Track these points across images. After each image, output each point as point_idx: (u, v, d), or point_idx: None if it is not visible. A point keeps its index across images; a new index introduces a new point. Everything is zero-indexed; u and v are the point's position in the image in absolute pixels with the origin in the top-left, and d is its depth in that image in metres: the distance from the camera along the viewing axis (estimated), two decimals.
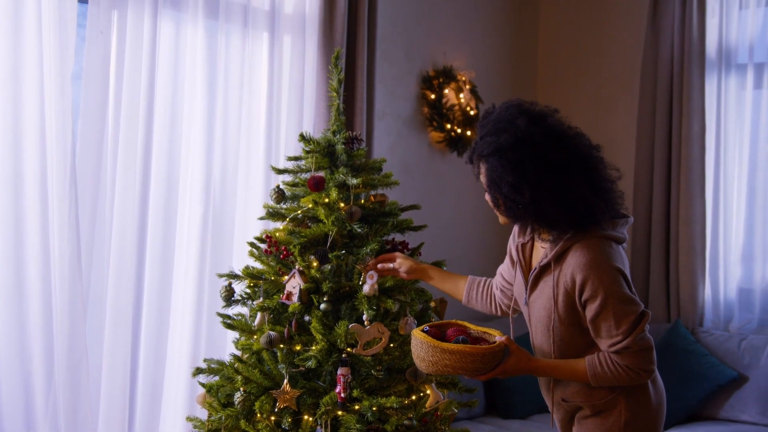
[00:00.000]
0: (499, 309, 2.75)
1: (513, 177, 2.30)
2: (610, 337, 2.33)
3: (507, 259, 2.67)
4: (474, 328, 2.51)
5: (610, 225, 2.40)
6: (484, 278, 2.80)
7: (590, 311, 2.33)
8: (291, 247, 2.76)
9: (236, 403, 2.68)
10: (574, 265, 2.34)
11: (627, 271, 2.39)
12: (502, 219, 2.48)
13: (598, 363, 2.37)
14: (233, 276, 2.88)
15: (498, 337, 2.43)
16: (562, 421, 2.59)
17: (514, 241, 2.61)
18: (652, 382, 2.49)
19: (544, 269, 2.42)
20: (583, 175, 2.34)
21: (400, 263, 2.73)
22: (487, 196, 2.45)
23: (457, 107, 4.95)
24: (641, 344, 2.33)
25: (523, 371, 2.44)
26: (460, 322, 2.55)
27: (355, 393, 2.62)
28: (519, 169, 2.30)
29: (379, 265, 2.74)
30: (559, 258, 2.38)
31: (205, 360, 2.97)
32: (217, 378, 2.87)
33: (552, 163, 2.31)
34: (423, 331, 2.40)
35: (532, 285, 2.47)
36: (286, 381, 2.64)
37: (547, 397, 2.59)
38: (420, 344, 2.35)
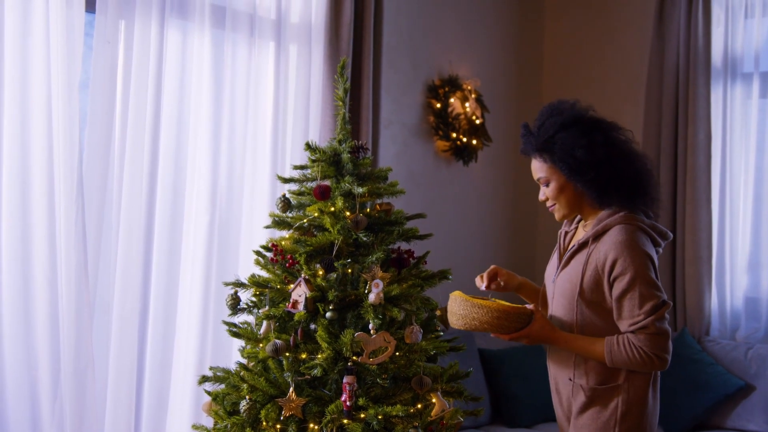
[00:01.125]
0: None
1: (586, 140, 2.51)
2: (632, 317, 2.46)
3: None
4: (509, 305, 2.60)
5: (650, 226, 2.56)
6: None
7: (617, 289, 2.47)
8: (297, 255, 2.77)
9: (242, 411, 2.68)
10: (609, 243, 2.49)
11: (656, 264, 2.53)
12: (560, 214, 2.64)
13: (616, 342, 2.48)
14: (239, 284, 2.89)
15: (528, 305, 2.59)
16: (562, 409, 2.69)
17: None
18: (652, 386, 2.57)
19: (582, 246, 2.57)
20: (634, 149, 2.63)
21: (506, 283, 2.77)
22: (545, 191, 2.62)
23: (462, 116, 4.96)
24: (659, 328, 2.45)
25: (546, 339, 2.56)
26: (498, 300, 2.63)
27: (361, 401, 2.62)
28: (589, 135, 2.52)
29: (492, 285, 2.75)
30: (597, 237, 2.54)
31: (210, 368, 2.97)
32: (222, 386, 2.87)
33: (611, 135, 2.59)
34: None
35: (566, 263, 2.62)
36: (291, 389, 2.64)
37: (557, 374, 2.67)
38: (454, 300, 2.59)
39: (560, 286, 2.62)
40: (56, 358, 3.11)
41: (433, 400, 2.75)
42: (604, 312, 2.54)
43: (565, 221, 2.76)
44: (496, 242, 5.41)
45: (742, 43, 4.84)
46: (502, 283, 2.75)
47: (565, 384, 2.63)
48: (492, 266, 2.77)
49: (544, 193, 2.63)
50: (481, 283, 2.72)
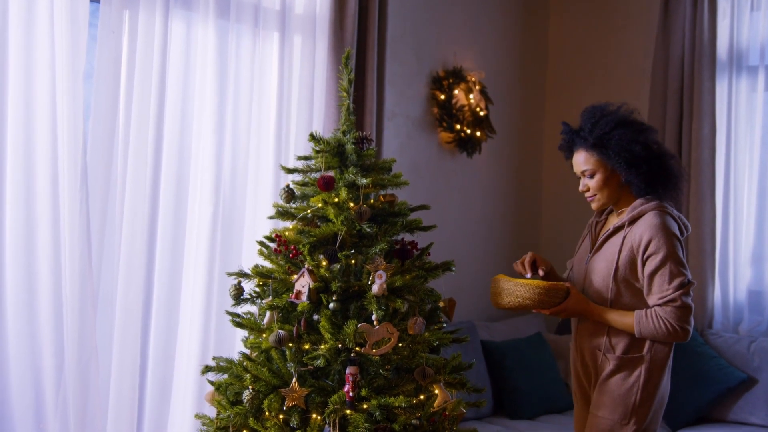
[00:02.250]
0: None
1: (643, 137, 2.84)
2: (661, 292, 2.77)
3: None
4: (548, 282, 2.89)
5: (678, 217, 2.88)
6: None
7: (649, 266, 2.78)
8: (300, 246, 2.77)
9: (245, 401, 2.68)
10: (644, 225, 2.80)
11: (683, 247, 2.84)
12: (598, 204, 2.93)
13: (645, 314, 2.79)
14: (243, 275, 2.89)
15: (564, 282, 2.91)
16: (586, 377, 2.99)
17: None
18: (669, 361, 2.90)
19: (617, 230, 2.87)
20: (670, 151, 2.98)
21: (544, 270, 3.01)
22: (588, 183, 2.90)
23: (466, 108, 4.95)
24: (684, 302, 2.76)
25: (582, 312, 2.88)
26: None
27: (364, 392, 2.63)
28: (644, 133, 2.86)
29: (540, 272, 3.00)
30: (633, 221, 2.85)
31: (214, 358, 2.98)
32: (225, 376, 2.88)
33: (655, 136, 2.90)
34: None
35: (599, 246, 2.92)
36: (294, 379, 2.65)
37: (586, 345, 2.94)
38: (498, 281, 2.90)
39: (594, 267, 2.92)
40: (60, 348, 3.12)
41: (436, 392, 2.75)
42: (635, 289, 2.85)
43: (596, 213, 3.05)
44: (499, 234, 5.41)
45: (748, 36, 4.83)
46: (544, 267, 3.01)
47: (593, 354, 2.93)
48: (530, 253, 3.03)
49: (586, 184, 2.92)
50: (525, 271, 2.98)
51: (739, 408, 4.47)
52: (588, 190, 2.93)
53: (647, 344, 2.85)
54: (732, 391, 4.48)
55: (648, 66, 5.05)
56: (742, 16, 4.82)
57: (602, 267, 2.88)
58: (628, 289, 2.86)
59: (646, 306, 2.83)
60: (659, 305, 2.77)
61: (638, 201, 2.87)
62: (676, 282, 2.76)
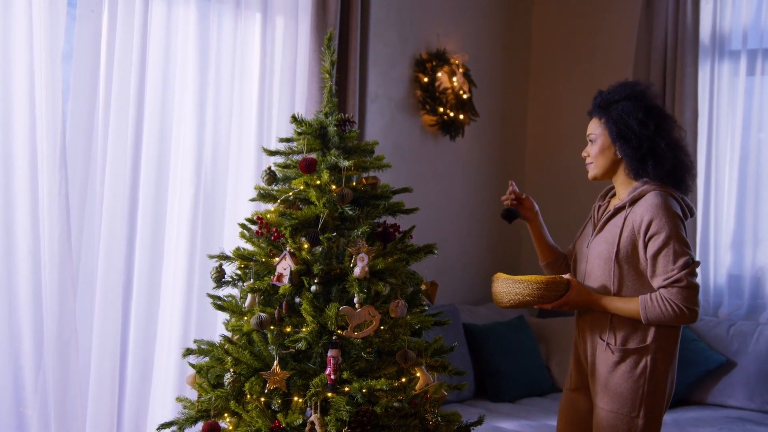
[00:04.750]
0: None
1: (642, 114, 2.82)
2: (666, 272, 2.72)
3: None
4: (547, 276, 2.87)
5: (681, 198, 2.85)
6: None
7: (653, 247, 2.74)
8: (282, 228, 2.75)
9: (226, 384, 2.67)
10: (645, 205, 2.77)
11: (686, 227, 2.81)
12: (593, 172, 2.93)
13: (650, 298, 2.74)
14: (224, 257, 2.87)
15: (564, 275, 2.86)
16: (588, 367, 2.92)
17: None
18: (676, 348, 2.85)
19: (618, 210, 2.85)
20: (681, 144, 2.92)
21: (532, 204, 3.12)
22: (589, 150, 2.92)
23: (449, 90, 4.94)
24: (690, 282, 2.71)
25: (585, 303, 2.83)
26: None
27: (345, 375, 2.62)
28: (647, 111, 2.83)
29: (517, 189, 3.10)
30: (633, 202, 2.82)
31: (195, 341, 2.96)
32: (207, 359, 2.87)
33: (667, 123, 2.87)
34: None
35: (601, 228, 2.90)
36: (276, 362, 2.64)
37: (589, 336, 2.89)
38: (497, 280, 2.88)
39: (595, 249, 2.88)
40: (39, 329, 3.10)
41: (418, 374, 2.75)
42: (638, 271, 2.80)
43: (599, 196, 3.04)
44: (481, 217, 5.41)
45: (731, 21, 4.84)
46: (523, 195, 3.10)
47: (596, 345, 2.87)
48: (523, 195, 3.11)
49: (587, 150, 2.94)
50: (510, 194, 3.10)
51: (718, 391, 4.51)
52: (588, 156, 2.94)
53: (651, 334, 2.78)
54: (711, 374, 4.51)
55: (631, 50, 5.05)
56: (724, 1, 4.83)
57: (603, 249, 2.84)
58: (630, 271, 2.80)
59: (650, 289, 2.78)
60: (664, 287, 2.71)
61: (639, 182, 2.84)
62: (680, 262, 2.70)
